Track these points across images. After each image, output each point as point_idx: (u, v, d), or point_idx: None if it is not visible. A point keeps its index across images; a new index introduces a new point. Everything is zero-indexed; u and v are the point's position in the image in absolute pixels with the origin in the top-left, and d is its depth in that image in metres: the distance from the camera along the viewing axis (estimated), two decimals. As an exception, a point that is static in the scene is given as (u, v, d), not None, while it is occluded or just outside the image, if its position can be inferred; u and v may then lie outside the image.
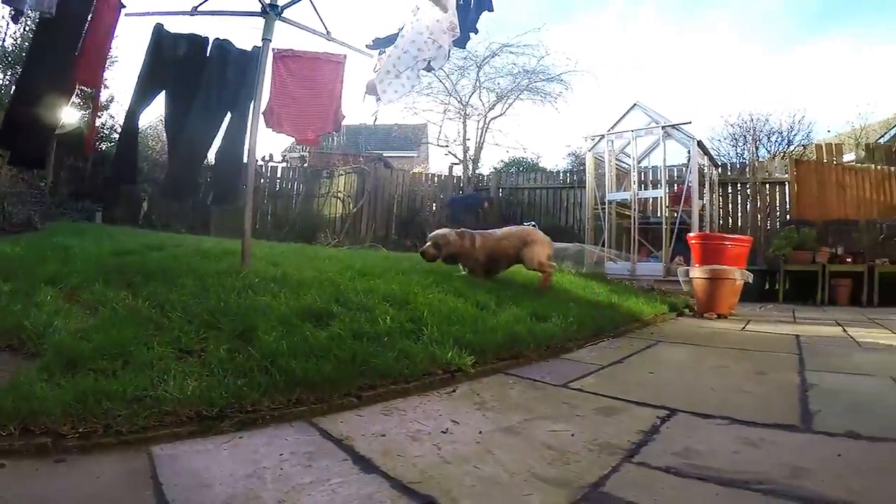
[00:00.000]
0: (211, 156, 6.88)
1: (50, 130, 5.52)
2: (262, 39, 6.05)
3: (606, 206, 13.66)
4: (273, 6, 6.04)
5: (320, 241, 14.49)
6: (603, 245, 13.53)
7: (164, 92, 6.06)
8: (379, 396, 3.05)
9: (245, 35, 6.81)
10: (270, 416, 2.63)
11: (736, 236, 9.27)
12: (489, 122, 23.85)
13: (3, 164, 12.29)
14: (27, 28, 13.80)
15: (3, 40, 14.59)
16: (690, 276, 8.45)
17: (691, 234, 9.27)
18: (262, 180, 17.80)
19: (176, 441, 2.36)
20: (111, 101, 17.53)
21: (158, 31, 6.00)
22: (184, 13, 6.25)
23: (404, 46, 6.59)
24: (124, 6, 5.86)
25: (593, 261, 12.91)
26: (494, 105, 23.90)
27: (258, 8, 6.12)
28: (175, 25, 6.13)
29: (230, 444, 2.38)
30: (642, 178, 14.65)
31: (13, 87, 5.61)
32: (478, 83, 23.43)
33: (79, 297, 4.33)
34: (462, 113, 23.91)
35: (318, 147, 18.72)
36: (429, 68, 6.84)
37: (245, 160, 6.10)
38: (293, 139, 7.43)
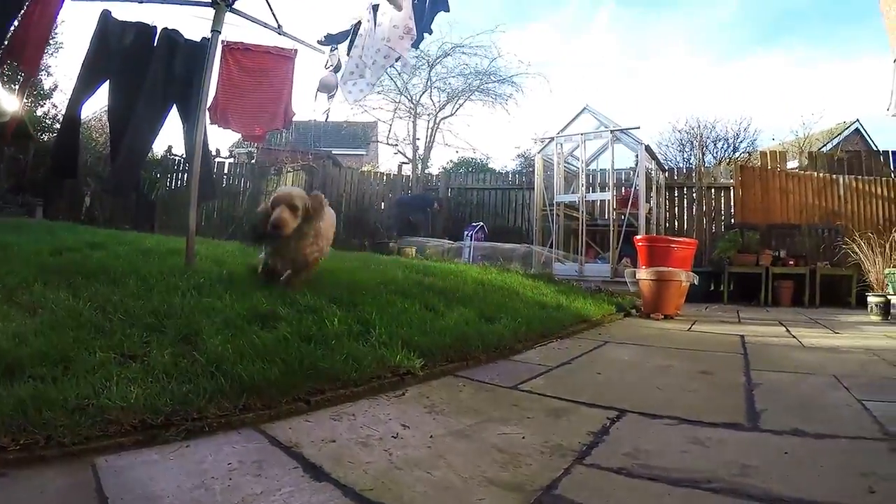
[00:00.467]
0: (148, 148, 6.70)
1: None
2: (212, 31, 5.91)
3: (555, 208, 13.75)
4: None
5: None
6: (551, 246, 13.67)
7: (108, 81, 5.90)
8: (328, 401, 2.98)
9: (195, 26, 6.65)
10: (217, 424, 2.54)
11: (682, 239, 9.39)
12: (439, 122, 24.16)
13: None
14: None
15: None
16: (637, 277, 8.54)
17: (638, 237, 9.37)
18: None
19: (121, 451, 2.26)
20: (55, 89, 17.31)
21: (105, 17, 5.83)
22: (131, 0, 6.11)
23: (370, 56, 6.54)
24: None
25: (541, 262, 13.01)
26: (445, 105, 24.15)
27: (205, -1, 5.98)
28: (123, 13, 5.97)
29: (177, 453, 2.29)
30: (590, 181, 14.85)
31: None
32: (429, 83, 23.58)
33: (17, 299, 4.15)
34: (412, 112, 24.10)
35: (265, 144, 18.55)
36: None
37: (193, 155, 5.95)
38: (239, 135, 7.24)
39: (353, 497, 1.94)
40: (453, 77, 24.24)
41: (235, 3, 6.06)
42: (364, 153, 31.89)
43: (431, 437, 2.55)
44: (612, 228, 12.72)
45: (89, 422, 2.31)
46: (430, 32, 7.16)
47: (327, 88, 7.94)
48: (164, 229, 16.26)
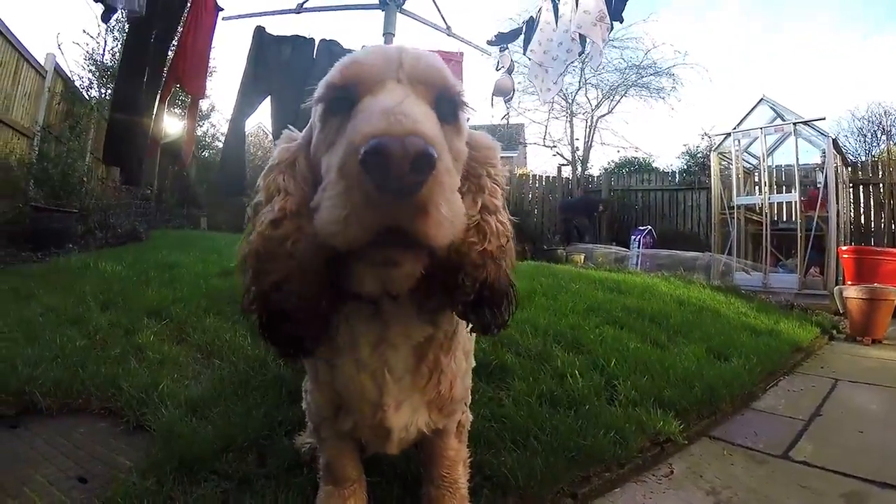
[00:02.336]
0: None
1: (147, 139, 5.25)
2: (384, 34, 5.62)
3: (735, 211, 12.67)
4: None
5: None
6: (729, 253, 12.54)
7: (269, 98, 5.73)
8: (595, 491, 2.44)
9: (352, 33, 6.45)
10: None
11: (891, 250, 8.40)
12: (597, 120, 23.26)
13: (108, 177, 12.53)
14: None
15: (103, 55, 14.92)
16: (845, 295, 7.58)
17: (844, 248, 8.49)
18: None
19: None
20: (212, 109, 18.02)
21: (259, 34, 5.70)
22: (288, 11, 6.00)
23: (553, 51, 6.01)
24: (222, 9, 5.69)
25: (720, 270, 12.03)
26: (601, 102, 23.27)
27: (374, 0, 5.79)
28: (278, 25, 5.78)
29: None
30: (772, 180, 13.64)
31: (111, 97, 5.39)
32: (583, 80, 22.76)
33: (187, 336, 3.93)
34: (568, 111, 23.37)
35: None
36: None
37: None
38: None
39: None
40: (608, 72, 23.22)
41: (405, 4, 5.81)
42: (515, 154, 31.52)
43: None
44: (799, 234, 11.55)
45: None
46: (621, 21, 6.45)
47: (503, 92, 7.50)
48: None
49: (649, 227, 15.34)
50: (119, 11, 4.71)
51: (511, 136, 30.00)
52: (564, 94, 22.76)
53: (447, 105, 1.27)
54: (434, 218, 1.07)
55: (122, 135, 5.05)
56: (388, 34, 5.59)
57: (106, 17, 4.84)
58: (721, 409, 3.55)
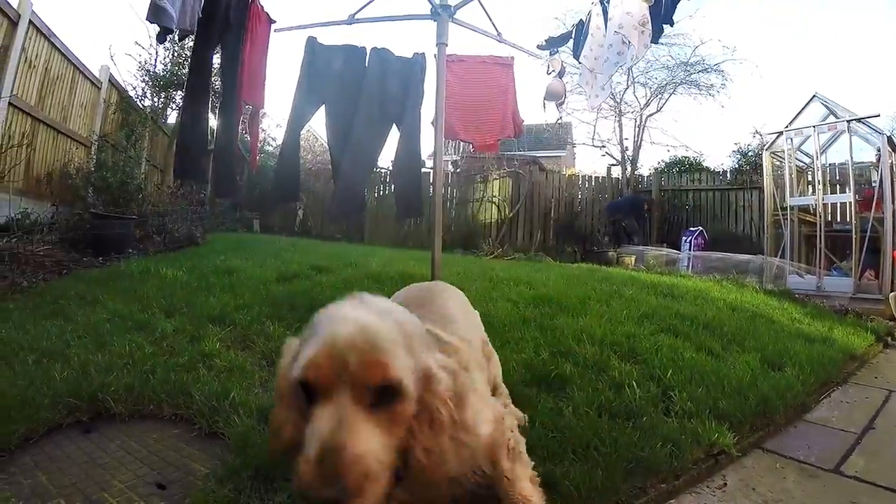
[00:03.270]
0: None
1: (231, 153, 5.40)
2: (437, 44, 5.71)
3: (788, 212, 12.47)
4: (445, 7, 5.68)
5: (482, 251, 14.14)
6: (782, 255, 12.34)
7: (323, 106, 5.78)
8: (650, 502, 2.49)
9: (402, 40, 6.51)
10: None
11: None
12: (645, 119, 23.08)
13: (163, 183, 12.88)
14: (176, 53, 15.10)
15: (155, 66, 15.33)
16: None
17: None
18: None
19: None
20: (263, 116, 18.66)
21: (311, 44, 5.74)
22: (340, 23, 6.04)
23: (603, 55, 6.03)
24: (274, 21, 5.76)
25: (773, 273, 11.86)
26: (650, 101, 23.04)
27: (424, 10, 5.81)
28: (329, 35, 5.85)
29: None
30: (826, 180, 13.39)
31: (182, 112, 5.53)
32: (631, 78, 22.60)
33: (251, 343, 4.07)
34: (616, 110, 23.19)
35: (472, 151, 18.44)
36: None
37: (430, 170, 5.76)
38: (471, 146, 7.01)
39: None
40: (655, 70, 22.98)
41: (456, 13, 5.83)
42: (562, 154, 31.36)
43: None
44: (854, 236, 11.31)
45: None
46: (672, 24, 6.42)
47: (555, 96, 7.52)
48: (373, 238, 16.74)
49: (700, 229, 15.04)
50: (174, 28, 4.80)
51: (560, 136, 29.90)
52: (613, 94, 22.56)
53: (387, 394, 1.50)
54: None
55: (216, 153, 5.20)
56: (441, 44, 5.66)
57: (161, 38, 4.95)
58: (774, 420, 3.55)
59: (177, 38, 5.56)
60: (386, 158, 16.90)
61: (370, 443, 1.44)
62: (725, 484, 2.76)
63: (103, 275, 6.72)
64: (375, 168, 17.97)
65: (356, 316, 1.58)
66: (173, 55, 15.53)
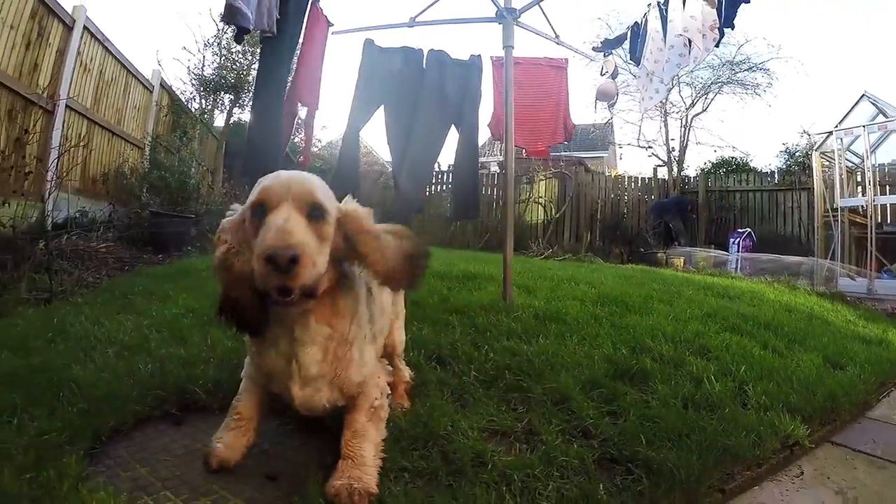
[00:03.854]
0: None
1: (279, 152, 5.46)
2: (504, 47, 5.73)
3: (838, 214, 12.33)
4: (510, 10, 5.69)
5: (532, 251, 14.24)
6: (832, 257, 12.20)
7: (382, 108, 5.83)
8: (738, 488, 2.61)
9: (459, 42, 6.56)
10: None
11: None
12: (691, 119, 22.90)
13: (216, 184, 13.15)
14: (223, 57, 15.31)
15: (203, 69, 16.06)
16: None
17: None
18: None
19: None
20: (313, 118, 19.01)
21: (369, 47, 5.80)
22: (401, 25, 6.12)
23: (663, 56, 6.02)
24: (332, 24, 5.79)
25: (824, 276, 11.73)
26: (695, 101, 22.82)
27: (487, 13, 5.85)
28: (386, 38, 5.91)
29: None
30: (876, 180, 13.20)
31: (251, 115, 5.62)
32: (676, 78, 22.39)
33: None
34: (662, 111, 22.95)
35: (545, 156, 18.47)
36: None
37: (484, 172, 5.76)
38: (524, 151, 7.05)
39: None
40: (700, 69, 22.33)
41: (520, 17, 5.83)
42: (605, 155, 31.20)
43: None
44: (906, 237, 11.21)
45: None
46: (733, 27, 6.39)
47: (607, 97, 7.54)
48: (420, 237, 16.76)
49: (748, 230, 14.78)
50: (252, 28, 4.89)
51: (603, 137, 29.73)
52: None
53: (316, 211, 2.07)
54: (301, 276, 1.89)
55: (264, 150, 5.27)
56: (508, 47, 5.69)
57: (239, 38, 5.04)
58: (840, 416, 3.59)
59: (257, 37, 5.61)
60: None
61: (307, 234, 1.97)
62: (802, 473, 2.84)
63: (167, 271, 6.89)
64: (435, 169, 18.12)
65: (291, 172, 2.18)
66: (221, 59, 15.87)
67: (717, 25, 5.76)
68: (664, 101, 22.16)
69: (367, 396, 2.44)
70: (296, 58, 5.53)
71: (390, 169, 6.82)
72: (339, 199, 5.73)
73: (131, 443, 2.71)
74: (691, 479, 2.42)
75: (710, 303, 6.03)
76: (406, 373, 3.26)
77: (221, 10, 4.45)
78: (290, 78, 5.47)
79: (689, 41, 5.88)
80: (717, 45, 6.15)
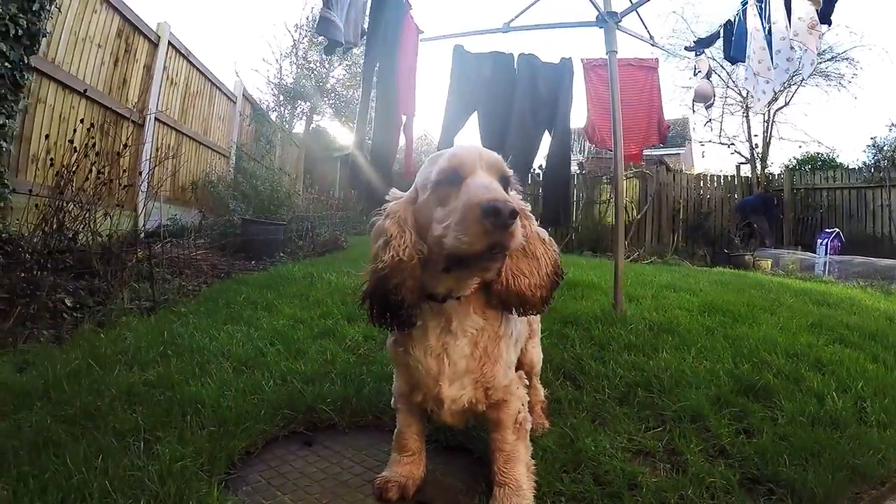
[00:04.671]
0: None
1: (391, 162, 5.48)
2: (608, 52, 5.64)
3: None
4: (612, 14, 5.60)
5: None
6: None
7: (476, 112, 5.81)
8: None
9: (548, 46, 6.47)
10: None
11: None
12: (774, 114, 22.30)
13: (304, 190, 13.44)
14: (299, 66, 15.71)
15: (281, 79, 17.05)
16: None
17: None
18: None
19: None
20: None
21: (459, 52, 5.80)
22: (495, 31, 6.04)
23: (767, 60, 5.87)
24: (422, 31, 5.77)
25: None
26: (777, 94, 22.20)
27: (579, 17, 5.87)
28: (473, 44, 5.87)
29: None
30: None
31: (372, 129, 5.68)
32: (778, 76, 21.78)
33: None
34: (744, 105, 22.40)
35: (638, 161, 18.27)
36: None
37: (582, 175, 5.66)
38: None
39: None
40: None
41: (622, 21, 5.74)
42: (681, 151, 30.68)
43: None
44: None
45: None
46: (830, 24, 6.19)
47: (705, 98, 7.41)
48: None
49: (836, 230, 14.32)
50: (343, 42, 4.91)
51: (682, 133, 29.23)
52: (738, 89, 21.93)
53: (503, 181, 2.04)
54: (516, 236, 1.83)
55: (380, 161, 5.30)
56: (612, 52, 5.61)
57: (329, 51, 5.08)
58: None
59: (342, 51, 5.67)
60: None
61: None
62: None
63: (265, 278, 6.97)
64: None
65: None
66: (298, 69, 16.20)
67: (817, 24, 5.58)
68: (746, 95, 21.69)
69: (510, 408, 2.33)
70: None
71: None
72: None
73: (266, 466, 2.67)
74: (829, 498, 2.41)
75: (812, 311, 5.87)
76: (542, 392, 3.20)
77: (315, 21, 4.48)
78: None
79: (801, 44, 5.71)
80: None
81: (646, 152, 19.05)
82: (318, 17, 4.65)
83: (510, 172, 2.11)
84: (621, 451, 2.73)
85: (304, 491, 2.44)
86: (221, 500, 2.19)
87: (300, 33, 19.88)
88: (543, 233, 2.25)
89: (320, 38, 4.87)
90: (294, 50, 18.66)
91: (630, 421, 3.11)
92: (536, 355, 3.09)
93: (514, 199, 2.09)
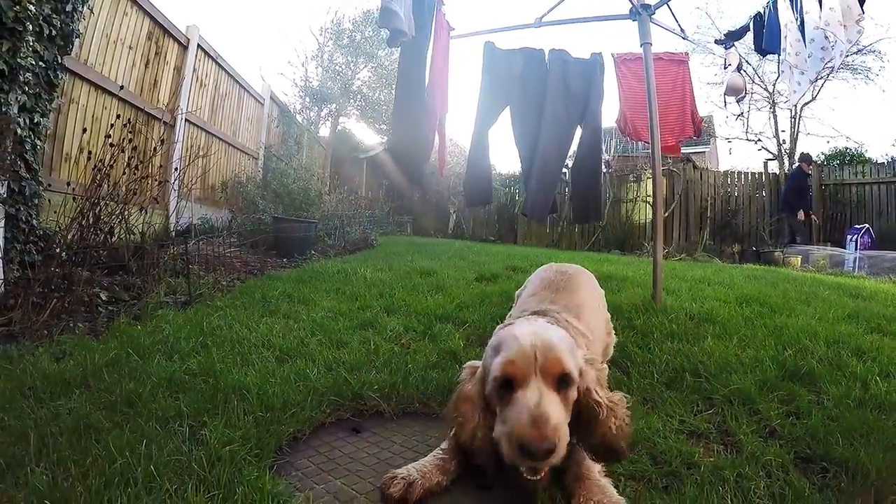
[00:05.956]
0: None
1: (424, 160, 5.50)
2: (642, 45, 5.64)
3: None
4: (645, 6, 5.60)
5: (646, 251, 14.14)
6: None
7: (508, 109, 5.78)
8: None
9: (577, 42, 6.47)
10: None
11: None
12: (801, 109, 22.06)
13: (332, 189, 13.62)
14: (324, 68, 15.94)
15: (307, 82, 17.61)
16: None
17: None
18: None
19: None
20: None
21: (490, 49, 5.75)
22: (527, 26, 6.06)
23: (804, 51, 5.82)
24: (453, 28, 5.81)
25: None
26: (809, 86, 21.89)
27: (615, 11, 5.86)
28: (503, 40, 5.87)
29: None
30: None
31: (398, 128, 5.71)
32: (782, 65, 21.58)
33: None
34: (770, 101, 22.33)
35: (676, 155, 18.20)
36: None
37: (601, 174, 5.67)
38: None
39: None
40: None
41: (655, 14, 5.74)
42: (707, 149, 30.49)
43: None
44: None
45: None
46: (863, 14, 6.15)
47: (736, 91, 7.37)
48: (526, 239, 16.90)
49: (866, 226, 14.15)
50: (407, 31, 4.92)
51: (708, 131, 28.98)
52: (764, 83, 21.83)
53: (564, 381, 2.09)
54: (553, 461, 1.92)
55: (411, 160, 5.33)
56: (646, 44, 5.61)
57: (392, 42, 5.08)
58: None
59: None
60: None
61: (561, 414, 2.01)
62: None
63: (300, 274, 7.05)
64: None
65: (533, 329, 2.23)
66: (324, 71, 16.32)
67: (863, 17, 5.52)
68: (772, 90, 21.57)
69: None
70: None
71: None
72: (476, 204, 5.63)
73: (314, 452, 2.66)
74: (883, 476, 2.42)
75: (847, 303, 5.86)
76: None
77: (377, 14, 4.50)
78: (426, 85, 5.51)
79: (833, 34, 5.66)
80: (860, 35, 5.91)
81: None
82: (380, 9, 4.68)
83: (570, 368, 2.11)
84: (674, 433, 2.77)
85: (357, 475, 2.44)
86: (273, 484, 2.19)
87: (325, 36, 20.19)
88: (604, 396, 2.26)
89: (382, 32, 4.90)
90: (319, 53, 18.96)
91: (680, 404, 3.15)
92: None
93: (581, 381, 2.20)
